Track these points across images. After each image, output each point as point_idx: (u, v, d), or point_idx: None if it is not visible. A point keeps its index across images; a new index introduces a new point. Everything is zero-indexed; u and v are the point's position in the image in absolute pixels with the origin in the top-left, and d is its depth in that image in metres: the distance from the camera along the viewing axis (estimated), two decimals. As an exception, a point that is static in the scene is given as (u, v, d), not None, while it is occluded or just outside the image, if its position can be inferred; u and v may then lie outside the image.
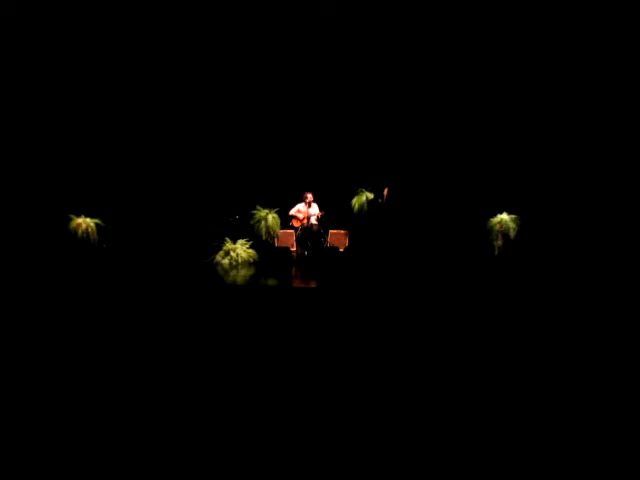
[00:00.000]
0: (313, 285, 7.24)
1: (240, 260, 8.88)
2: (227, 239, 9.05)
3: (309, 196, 9.85)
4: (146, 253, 9.00)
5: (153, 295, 5.63)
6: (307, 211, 9.85)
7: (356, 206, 9.64)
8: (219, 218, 9.74)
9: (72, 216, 9.36)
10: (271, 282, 7.31)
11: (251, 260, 8.95)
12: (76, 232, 9.25)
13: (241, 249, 9.03)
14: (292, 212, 9.87)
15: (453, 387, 2.67)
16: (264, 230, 9.40)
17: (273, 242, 9.71)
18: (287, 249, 9.67)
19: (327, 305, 5.11)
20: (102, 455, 2.17)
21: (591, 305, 4.34)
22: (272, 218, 9.53)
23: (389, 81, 10.41)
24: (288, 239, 9.93)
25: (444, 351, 3.24)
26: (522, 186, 9.75)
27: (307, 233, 9.79)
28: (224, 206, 10.01)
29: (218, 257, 8.95)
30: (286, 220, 10.05)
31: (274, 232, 9.49)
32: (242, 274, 7.98)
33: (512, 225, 9.36)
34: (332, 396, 2.60)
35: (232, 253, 8.94)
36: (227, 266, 8.71)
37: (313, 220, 9.97)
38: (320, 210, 10.05)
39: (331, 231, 10.05)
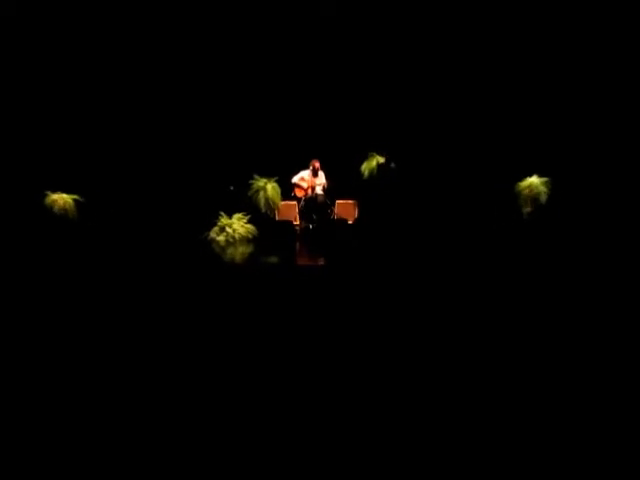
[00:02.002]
0: (319, 263, 7.27)
1: (237, 236, 8.91)
2: (222, 213, 9.07)
3: (315, 164, 9.78)
4: (133, 231, 9.10)
5: (141, 277, 5.70)
6: (312, 180, 9.83)
7: (366, 172, 9.76)
8: (212, 190, 9.76)
9: (47, 192, 9.53)
10: (272, 260, 7.41)
11: (250, 236, 8.98)
12: (52, 209, 9.45)
13: (238, 224, 9.06)
14: (295, 180, 9.84)
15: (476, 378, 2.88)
16: (263, 202, 9.51)
17: (273, 215, 9.79)
18: (289, 223, 9.70)
19: (335, 285, 5.12)
20: (93, 451, 2.35)
21: (628, 279, 4.54)
22: (272, 188, 9.60)
23: (402, 32, 10.37)
24: (290, 211, 9.95)
25: (464, 338, 3.36)
26: (554, 146, 9.69)
27: (312, 204, 9.82)
28: (218, 176, 9.99)
29: (213, 234, 8.97)
30: (288, 190, 10.03)
31: (274, 204, 9.60)
32: (240, 252, 8.08)
33: (543, 189, 9.41)
34: (339, 390, 2.71)
35: (228, 229, 8.96)
36: (223, 243, 8.75)
37: (319, 190, 9.92)
38: (327, 179, 10.00)
39: (338, 201, 10.07)
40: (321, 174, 10.07)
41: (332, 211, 10.01)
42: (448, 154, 9.93)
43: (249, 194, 9.58)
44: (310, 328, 3.72)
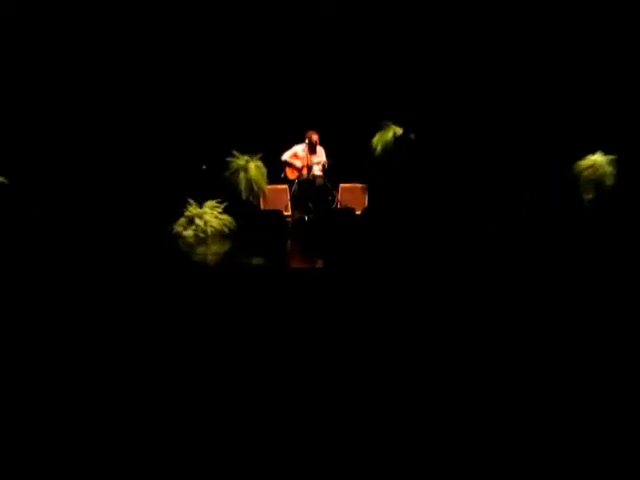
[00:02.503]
0: (317, 265, 6.54)
1: (210, 231, 7.86)
2: (190, 201, 7.92)
3: (314, 137, 8.46)
4: (79, 224, 7.96)
5: (84, 284, 4.94)
6: (308, 157, 8.50)
7: (379, 147, 8.38)
8: (178, 170, 8.57)
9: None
10: (256, 262, 6.54)
11: (226, 230, 7.91)
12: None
13: (211, 215, 7.95)
14: (286, 157, 8.56)
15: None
16: (244, 185, 8.21)
17: (258, 203, 8.55)
18: (278, 213, 8.42)
19: (337, 295, 4.57)
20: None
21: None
22: (255, 168, 8.25)
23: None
24: (280, 198, 8.78)
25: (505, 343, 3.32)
26: (622, 116, 8.60)
27: (308, 189, 8.56)
28: (185, 152, 8.79)
29: (178, 227, 7.86)
30: (276, 170, 8.77)
31: (259, 188, 8.29)
32: (213, 251, 7.26)
33: (609, 169, 8.31)
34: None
35: (198, 221, 7.84)
36: (191, 240, 7.75)
37: (317, 170, 8.60)
38: (327, 157, 8.69)
39: (342, 185, 8.83)
40: (320, 150, 8.68)
41: (334, 198, 8.77)
42: (484, 125, 8.58)
43: (226, 176, 8.23)
44: (304, 350, 3.38)
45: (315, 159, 8.68)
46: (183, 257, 6.96)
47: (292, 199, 8.83)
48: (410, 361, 3.21)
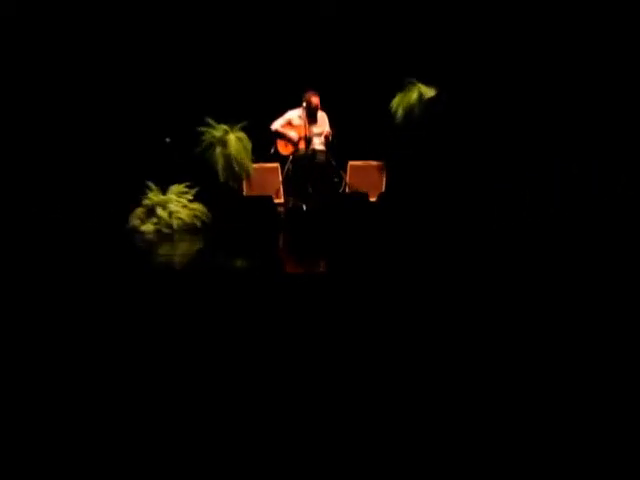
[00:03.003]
0: (319, 271, 5.75)
1: (177, 224, 6.91)
2: (150, 184, 7.00)
3: (313, 100, 7.34)
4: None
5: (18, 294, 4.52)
6: (307, 126, 7.42)
7: (399, 111, 7.29)
8: (135, 144, 7.53)
9: None
10: (239, 266, 5.83)
11: (197, 223, 7.01)
12: None
13: (177, 204, 7.03)
14: (277, 127, 7.51)
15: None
16: (222, 164, 7.27)
17: (240, 187, 7.58)
18: (267, 200, 7.38)
19: (344, 308, 4.05)
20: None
21: None
22: (236, 141, 7.23)
23: None
24: (269, 180, 7.83)
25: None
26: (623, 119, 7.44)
27: (306, 168, 7.55)
28: (145, 121, 7.66)
29: (134, 220, 6.93)
30: (264, 144, 7.80)
31: (241, 167, 7.31)
32: (180, 251, 6.48)
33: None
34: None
35: (160, 212, 6.86)
36: (151, 236, 6.93)
37: (317, 144, 7.58)
38: (332, 127, 7.69)
39: (352, 163, 7.81)
40: (322, 117, 7.69)
41: (341, 180, 7.82)
42: (536, 87, 7.10)
43: (197, 151, 7.18)
44: (299, 383, 3.01)
45: (315, 129, 7.73)
46: (139, 260, 6.12)
47: (285, 182, 7.86)
48: (414, 367, 3.17)
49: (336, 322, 3.79)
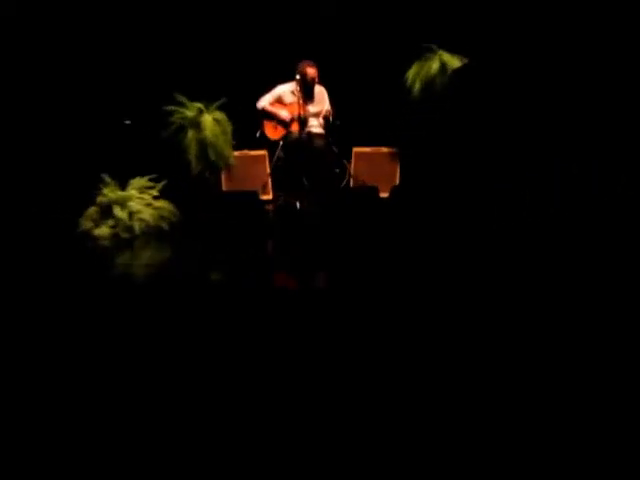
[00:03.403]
0: (317, 285, 4.93)
1: (139, 227, 5.83)
2: (106, 178, 5.88)
3: (309, 71, 6.35)
4: None
5: None
6: (301, 104, 6.43)
7: (416, 84, 6.37)
8: (86, 128, 6.50)
9: None
10: (216, 280, 4.90)
11: (164, 226, 5.91)
12: None
13: (140, 201, 6.02)
14: (265, 104, 6.54)
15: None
16: (195, 152, 6.27)
17: (218, 180, 6.70)
18: (252, 196, 6.48)
19: (347, 330, 3.61)
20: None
21: None
22: (213, 123, 6.25)
23: None
24: (254, 172, 6.89)
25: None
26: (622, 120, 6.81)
27: (300, 156, 6.57)
28: (98, 100, 6.61)
29: (86, 222, 5.87)
30: (248, 126, 6.82)
31: (219, 156, 6.37)
32: (144, 260, 5.56)
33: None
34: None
35: (118, 211, 5.86)
36: (107, 242, 5.86)
37: (314, 127, 6.67)
38: (332, 106, 6.86)
39: (357, 150, 6.88)
40: (320, 93, 6.70)
41: (344, 170, 6.84)
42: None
43: (165, 136, 6.13)
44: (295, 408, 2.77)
45: (312, 107, 6.71)
46: (92, 273, 5.14)
47: (274, 173, 6.96)
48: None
49: (331, 351, 3.27)
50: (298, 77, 6.56)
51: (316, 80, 6.71)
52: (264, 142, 6.87)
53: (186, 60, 6.77)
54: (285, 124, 6.66)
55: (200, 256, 5.67)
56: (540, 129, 6.22)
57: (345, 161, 6.95)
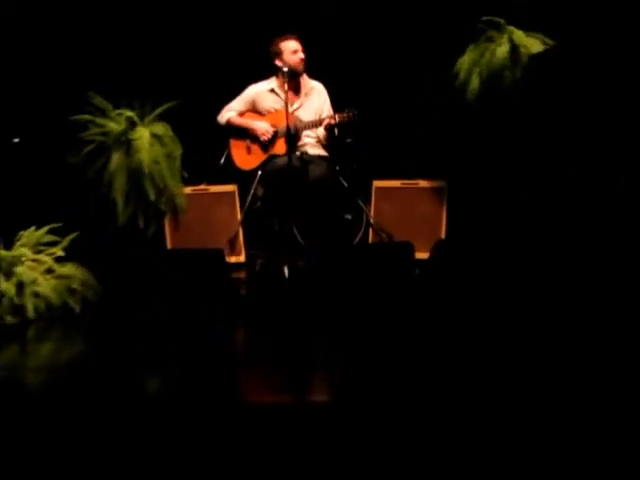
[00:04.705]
0: (313, 398, 3.48)
1: (33, 307, 4.27)
2: None
3: (292, 46, 4.63)
4: None
5: None
6: (287, 111, 4.51)
7: (473, 79, 4.69)
8: None
9: None
10: (157, 393, 3.48)
11: (75, 306, 4.31)
12: None
13: (34, 267, 4.44)
14: (229, 116, 4.78)
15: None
16: (122, 187, 4.56)
17: (160, 231, 4.87)
18: (214, 257, 4.68)
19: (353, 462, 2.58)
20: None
21: None
22: (150, 141, 4.55)
23: None
24: (217, 219, 5.15)
25: None
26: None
27: (287, 192, 4.74)
28: None
29: None
30: (206, 146, 5.10)
31: (161, 193, 4.60)
32: (37, 364, 3.97)
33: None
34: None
35: (1, 282, 4.43)
36: None
37: (311, 144, 4.78)
38: (347, 111, 4.64)
39: (379, 184, 5.01)
40: (317, 92, 4.84)
41: (362, 216, 4.97)
42: None
43: (75, 161, 4.47)
44: None
45: (304, 113, 4.80)
46: None
47: (249, 220, 5.11)
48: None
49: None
50: (281, 67, 4.54)
51: (304, 70, 4.80)
52: (232, 172, 5.10)
53: (110, 43, 4.94)
54: (264, 144, 4.71)
55: (128, 357, 3.99)
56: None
57: (361, 201, 5.17)
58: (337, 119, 4.74)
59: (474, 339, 3.91)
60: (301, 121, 4.84)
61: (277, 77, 4.67)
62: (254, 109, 4.91)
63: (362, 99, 5.11)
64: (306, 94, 4.95)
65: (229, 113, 4.88)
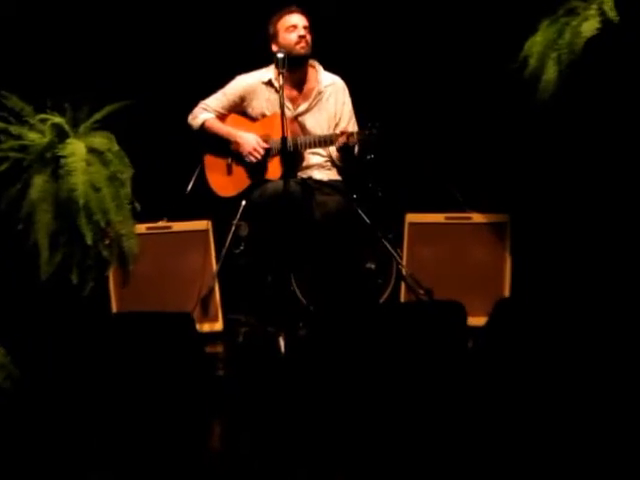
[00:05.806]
0: None
1: None
2: None
3: (296, 20, 3.62)
4: None
5: None
6: (286, 116, 3.55)
7: (549, 68, 3.63)
8: None
9: None
10: None
11: None
12: None
13: None
14: (205, 118, 3.84)
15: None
16: (47, 225, 3.48)
17: (100, 291, 3.75)
18: (180, 323, 3.86)
19: None
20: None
21: None
22: (86, 158, 3.48)
23: None
24: (181, 271, 4.14)
25: None
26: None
27: (284, 230, 3.81)
28: None
29: None
30: (170, 164, 4.20)
31: (103, 232, 3.57)
32: None
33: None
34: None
35: None
36: None
37: (318, 165, 3.85)
38: (370, 126, 3.67)
39: (413, 218, 4.09)
40: (333, 90, 3.76)
41: (391, 264, 4.06)
42: None
43: None
44: None
45: (310, 120, 3.82)
46: None
47: (228, 272, 4.23)
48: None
49: None
50: (274, 49, 3.61)
51: (308, 57, 3.71)
52: (206, 202, 4.05)
53: (28, 21, 3.93)
54: (252, 165, 3.65)
55: (65, 466, 3.54)
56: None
57: (389, 244, 4.16)
58: (356, 138, 3.72)
59: (549, 446, 3.12)
60: (306, 133, 3.80)
61: (277, 70, 3.55)
62: (242, 109, 3.87)
63: (391, 102, 4.32)
64: (318, 93, 3.88)
65: (205, 114, 3.83)
